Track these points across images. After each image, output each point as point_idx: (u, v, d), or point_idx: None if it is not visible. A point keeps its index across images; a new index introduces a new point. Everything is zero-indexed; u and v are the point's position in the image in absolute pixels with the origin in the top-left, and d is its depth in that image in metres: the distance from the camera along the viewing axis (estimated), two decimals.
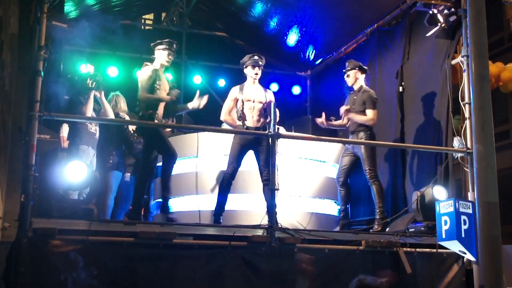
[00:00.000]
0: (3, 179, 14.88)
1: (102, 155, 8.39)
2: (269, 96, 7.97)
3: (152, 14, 16.56)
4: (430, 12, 8.13)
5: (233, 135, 7.82)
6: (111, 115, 8.34)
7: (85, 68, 10.89)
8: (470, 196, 7.06)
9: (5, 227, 14.25)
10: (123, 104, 8.83)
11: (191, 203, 8.56)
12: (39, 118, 5.97)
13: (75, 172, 6.27)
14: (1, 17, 12.86)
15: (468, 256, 6.60)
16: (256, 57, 7.92)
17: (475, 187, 6.63)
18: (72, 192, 6.70)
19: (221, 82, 12.62)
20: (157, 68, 7.84)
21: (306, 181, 8.64)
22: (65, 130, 8.23)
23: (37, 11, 6.39)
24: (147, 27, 14.94)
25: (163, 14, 13.84)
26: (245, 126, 7.75)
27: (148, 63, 7.85)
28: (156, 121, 7.61)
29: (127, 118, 8.75)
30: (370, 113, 8.15)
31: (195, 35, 12.98)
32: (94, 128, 8.14)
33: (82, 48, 10.98)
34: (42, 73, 6.14)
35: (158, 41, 7.92)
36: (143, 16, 15.24)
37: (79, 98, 8.03)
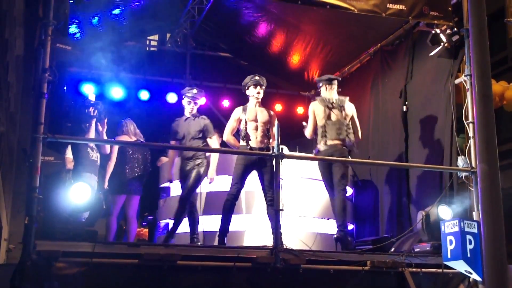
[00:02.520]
0: (8, 201, 14.85)
1: (123, 180, 8.49)
2: (272, 117, 7.98)
3: (157, 35, 16.69)
4: (433, 32, 8.17)
5: (236, 155, 7.83)
6: (107, 145, 8.44)
7: (88, 92, 10.98)
8: (475, 215, 7.02)
9: (10, 249, 14.23)
10: (132, 128, 8.87)
11: None
12: (43, 140, 5.98)
13: (79, 194, 6.26)
14: (7, 39, 12.95)
15: (474, 276, 6.55)
16: (257, 77, 7.96)
17: (480, 207, 6.60)
18: (82, 214, 6.70)
19: (225, 103, 12.65)
20: None
21: (310, 201, 8.61)
22: (69, 151, 8.29)
23: (42, 33, 6.43)
24: (151, 48, 15.04)
25: (168, 35, 13.92)
26: (248, 147, 7.75)
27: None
28: None
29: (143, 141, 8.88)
30: None
31: (199, 56, 13.05)
32: (95, 156, 8.22)
33: (87, 69, 11.07)
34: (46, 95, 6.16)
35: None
36: (148, 37, 15.36)
37: (81, 126, 8.13)
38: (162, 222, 9.44)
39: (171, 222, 9.06)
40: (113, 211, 8.50)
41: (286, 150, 8.35)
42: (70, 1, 6.92)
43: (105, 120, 8.33)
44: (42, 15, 6.41)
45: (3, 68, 12.52)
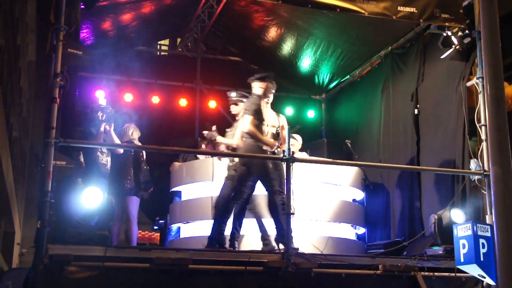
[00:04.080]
0: (21, 205, 14.92)
1: (120, 181, 8.44)
2: (282, 121, 7.97)
3: (168, 40, 16.73)
4: (444, 34, 8.12)
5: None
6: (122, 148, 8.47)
7: (99, 96, 11.03)
8: (488, 219, 6.99)
9: (23, 253, 14.31)
10: (135, 133, 8.86)
11: (206, 228, 8.53)
12: (55, 145, 6.00)
13: (91, 198, 6.28)
14: (19, 44, 13.04)
15: (488, 280, 6.50)
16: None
17: (493, 210, 6.55)
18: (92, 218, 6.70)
19: None
20: None
21: (322, 205, 8.59)
22: (82, 156, 8.33)
23: (53, 39, 6.46)
24: (162, 53, 15.07)
25: (178, 40, 13.97)
26: None
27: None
28: None
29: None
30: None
31: (209, 60, 13.08)
32: (105, 159, 8.24)
33: (98, 74, 11.10)
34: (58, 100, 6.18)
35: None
36: (159, 42, 15.39)
37: (91, 130, 8.17)
38: (174, 226, 9.44)
39: (182, 226, 9.09)
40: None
41: (305, 154, 8.34)
42: (81, 7, 6.94)
43: (112, 125, 8.35)
44: (53, 20, 6.45)
45: (16, 73, 12.58)
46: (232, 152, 8.07)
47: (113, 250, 6.12)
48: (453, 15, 7.77)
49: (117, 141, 8.40)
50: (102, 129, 8.15)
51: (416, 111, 9.23)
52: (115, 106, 9.28)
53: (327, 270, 6.55)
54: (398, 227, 9.37)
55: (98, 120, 8.16)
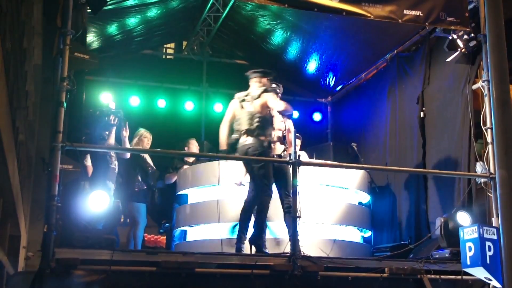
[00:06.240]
0: (27, 208, 14.95)
1: (127, 187, 8.48)
2: (288, 124, 7.97)
3: (173, 43, 16.75)
4: (450, 37, 8.14)
5: None
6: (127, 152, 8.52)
7: (108, 100, 11.06)
8: (494, 221, 6.98)
9: (29, 257, 14.32)
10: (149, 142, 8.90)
11: (213, 231, 8.54)
12: (62, 149, 6.02)
13: (98, 202, 6.29)
14: (25, 48, 13.07)
15: (494, 283, 6.49)
16: (273, 85, 7.96)
17: (499, 213, 6.55)
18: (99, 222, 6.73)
19: None
20: None
21: (328, 208, 8.58)
22: (89, 160, 8.33)
23: (60, 43, 6.48)
24: (168, 56, 15.08)
25: (184, 43, 14.00)
26: None
27: None
28: None
29: None
30: None
31: (215, 64, 13.12)
32: (114, 163, 8.25)
33: (104, 78, 11.12)
34: (65, 104, 6.20)
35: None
36: (165, 45, 15.40)
37: (101, 133, 8.18)
38: (178, 231, 9.43)
39: (188, 230, 9.10)
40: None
41: (303, 156, 8.35)
42: (88, 11, 6.97)
43: (127, 125, 8.39)
44: (60, 24, 6.47)
45: (22, 77, 12.61)
46: (240, 156, 8.07)
47: (120, 253, 6.12)
48: (458, 19, 7.77)
49: (127, 145, 8.42)
50: (113, 132, 8.17)
51: (422, 114, 9.24)
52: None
53: (334, 273, 6.56)
54: (404, 230, 9.37)
55: (109, 124, 8.18)
